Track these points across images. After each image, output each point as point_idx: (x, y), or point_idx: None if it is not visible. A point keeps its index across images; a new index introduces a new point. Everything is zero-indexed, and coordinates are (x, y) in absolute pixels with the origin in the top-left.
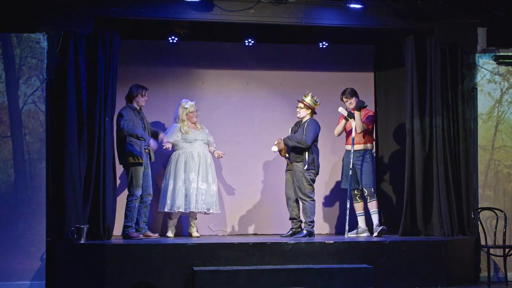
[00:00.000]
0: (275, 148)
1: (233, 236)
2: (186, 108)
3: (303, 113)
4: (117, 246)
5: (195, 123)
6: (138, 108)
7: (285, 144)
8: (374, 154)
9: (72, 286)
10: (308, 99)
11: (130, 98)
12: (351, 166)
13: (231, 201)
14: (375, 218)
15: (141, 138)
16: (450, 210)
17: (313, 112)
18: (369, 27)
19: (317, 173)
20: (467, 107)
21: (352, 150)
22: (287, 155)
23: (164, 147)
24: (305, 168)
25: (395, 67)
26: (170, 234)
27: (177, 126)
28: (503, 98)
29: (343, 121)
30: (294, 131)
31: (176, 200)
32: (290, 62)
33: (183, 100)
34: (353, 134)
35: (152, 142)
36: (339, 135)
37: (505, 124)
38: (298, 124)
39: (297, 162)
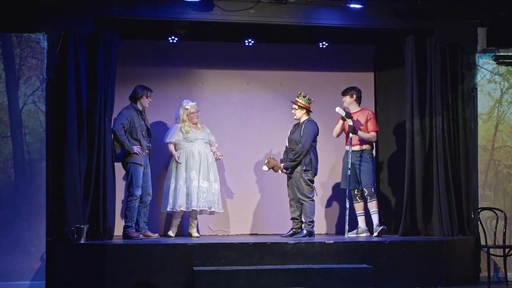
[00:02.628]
0: (265, 168)
1: (233, 236)
2: (187, 109)
3: (299, 114)
4: (117, 246)
5: (196, 124)
6: (141, 109)
7: (286, 168)
8: (374, 154)
9: (72, 286)
10: (301, 100)
11: (134, 99)
12: (349, 166)
13: (231, 201)
14: (375, 218)
15: (127, 149)
16: (450, 210)
17: (309, 112)
18: (369, 27)
19: (315, 174)
20: (467, 107)
21: (350, 151)
22: (282, 170)
23: (176, 157)
24: (303, 169)
25: (395, 67)
26: (171, 233)
27: (178, 126)
28: (503, 98)
29: (341, 121)
30: (292, 132)
31: (178, 199)
32: (290, 62)
33: (184, 100)
34: (350, 134)
35: (136, 148)
36: (337, 135)
37: (505, 124)
38: (296, 125)
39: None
